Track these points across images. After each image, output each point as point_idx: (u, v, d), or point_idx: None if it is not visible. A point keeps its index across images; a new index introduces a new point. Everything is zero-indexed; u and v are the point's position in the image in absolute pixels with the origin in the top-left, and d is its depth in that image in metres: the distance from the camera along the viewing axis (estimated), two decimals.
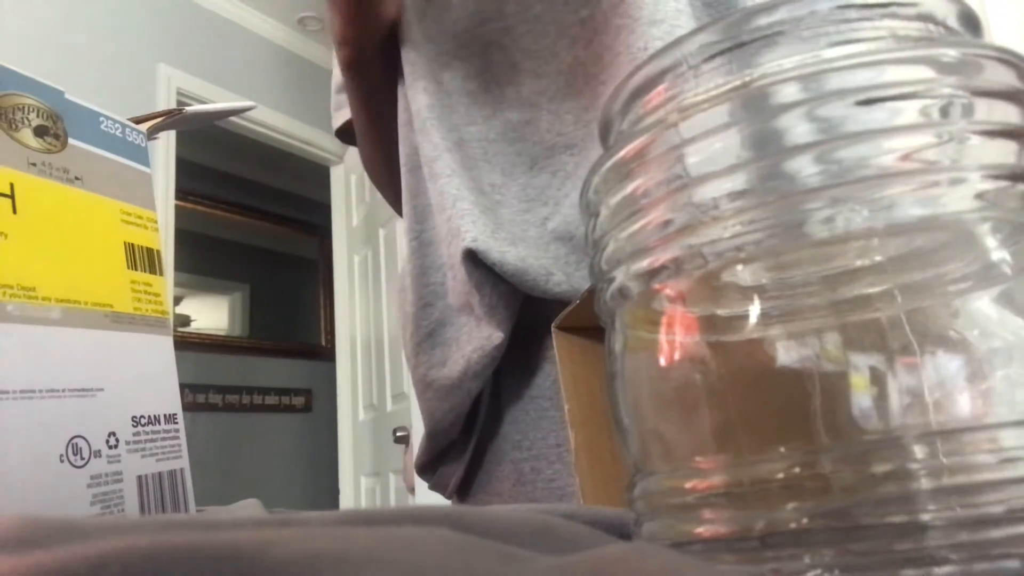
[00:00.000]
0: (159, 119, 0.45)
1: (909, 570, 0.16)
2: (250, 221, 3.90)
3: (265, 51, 3.01)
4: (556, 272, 0.51)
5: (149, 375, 0.34)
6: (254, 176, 3.90)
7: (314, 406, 3.81)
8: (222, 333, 3.70)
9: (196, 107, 0.50)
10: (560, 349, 0.40)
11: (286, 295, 3.94)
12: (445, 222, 0.54)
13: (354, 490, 2.73)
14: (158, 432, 0.33)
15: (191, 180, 3.21)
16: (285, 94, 2.98)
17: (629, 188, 0.21)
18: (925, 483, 0.17)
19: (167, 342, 0.35)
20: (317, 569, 0.12)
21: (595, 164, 0.22)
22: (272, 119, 2.87)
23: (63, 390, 0.29)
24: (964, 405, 0.18)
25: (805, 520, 0.17)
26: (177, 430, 0.34)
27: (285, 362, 3.79)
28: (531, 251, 0.52)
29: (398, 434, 2.30)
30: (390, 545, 0.14)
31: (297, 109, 2.96)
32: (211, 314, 3.71)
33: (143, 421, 0.32)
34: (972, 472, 0.17)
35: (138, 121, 0.43)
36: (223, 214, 3.77)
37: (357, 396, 2.79)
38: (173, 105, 2.59)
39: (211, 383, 3.41)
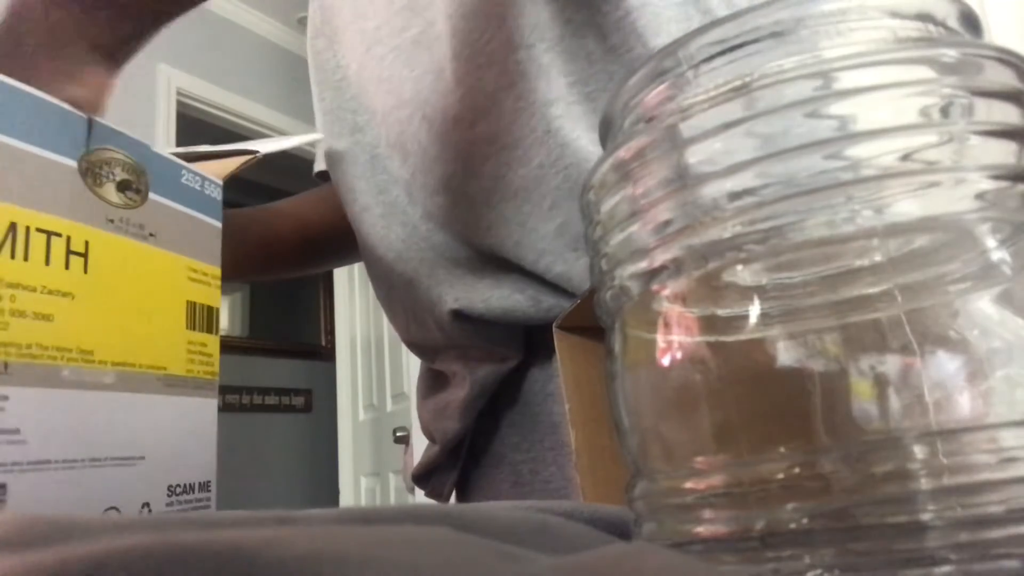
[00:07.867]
0: (236, 166, 0.44)
1: (909, 570, 0.16)
2: None
3: (265, 51, 3.00)
4: (544, 299, 0.51)
5: (190, 441, 0.33)
6: (254, 176, 3.89)
7: (314, 406, 3.81)
8: (222, 333, 3.70)
9: (269, 145, 0.48)
10: (561, 349, 0.40)
11: (286, 295, 3.93)
12: (424, 293, 0.55)
13: (354, 490, 2.73)
14: (190, 501, 0.33)
15: None
16: (285, 94, 2.98)
17: (629, 188, 0.21)
18: (925, 483, 0.17)
19: (212, 405, 0.35)
20: (317, 569, 0.12)
21: (595, 164, 0.22)
22: (272, 119, 2.87)
23: (105, 459, 0.28)
24: (964, 405, 0.18)
25: (805, 520, 0.17)
26: (208, 498, 0.34)
27: (285, 362, 3.78)
28: (515, 285, 0.52)
29: (398, 434, 2.30)
30: (390, 545, 0.14)
31: (296, 109, 2.96)
32: None
33: (178, 491, 0.32)
34: (972, 472, 0.17)
35: (207, 158, 0.43)
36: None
37: (357, 396, 2.79)
38: (173, 105, 2.59)
39: None
